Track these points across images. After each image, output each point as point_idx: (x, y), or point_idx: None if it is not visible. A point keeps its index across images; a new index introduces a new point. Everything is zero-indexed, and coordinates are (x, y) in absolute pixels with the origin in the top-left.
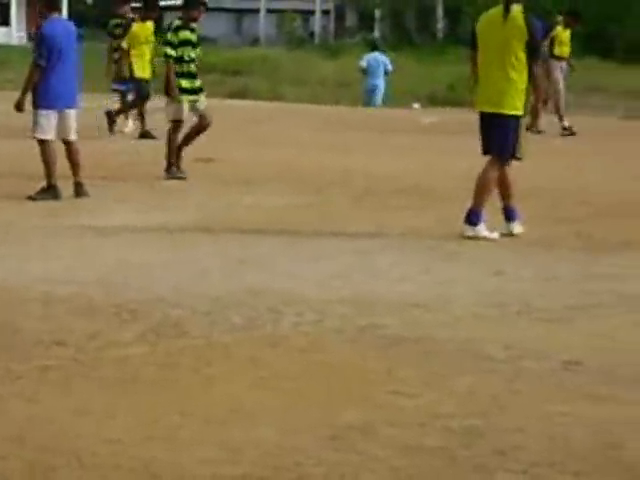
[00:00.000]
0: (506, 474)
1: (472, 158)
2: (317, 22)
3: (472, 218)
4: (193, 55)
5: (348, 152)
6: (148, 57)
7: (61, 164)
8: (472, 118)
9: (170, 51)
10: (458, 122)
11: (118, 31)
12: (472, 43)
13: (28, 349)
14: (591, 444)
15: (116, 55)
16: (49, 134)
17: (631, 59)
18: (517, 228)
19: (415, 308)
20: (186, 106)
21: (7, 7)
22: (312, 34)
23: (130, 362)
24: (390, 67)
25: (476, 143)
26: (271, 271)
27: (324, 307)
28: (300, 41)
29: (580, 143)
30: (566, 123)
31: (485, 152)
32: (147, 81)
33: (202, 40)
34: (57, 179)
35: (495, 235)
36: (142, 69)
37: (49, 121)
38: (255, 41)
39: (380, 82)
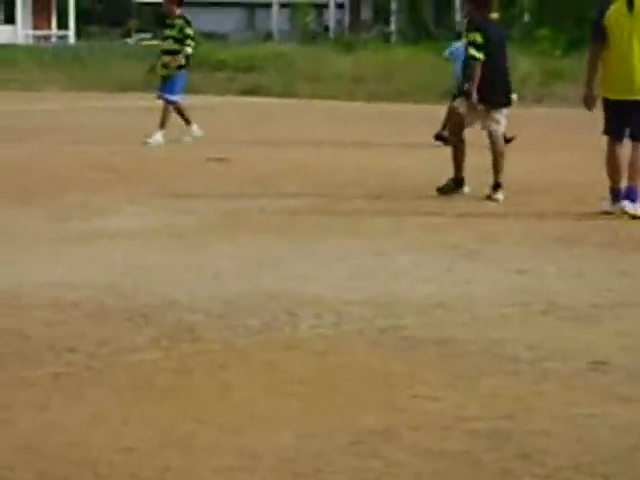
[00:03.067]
0: (532, 478)
1: (489, 154)
2: (331, 16)
3: (631, 195)
4: None
5: (365, 149)
6: None
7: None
8: None
9: None
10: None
11: (171, 32)
12: (595, 36)
13: (39, 356)
14: (619, 446)
15: (167, 58)
16: None
17: None
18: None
19: (437, 309)
20: None
21: (12, 5)
22: (326, 28)
23: (143, 368)
24: None
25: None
26: (287, 273)
27: (343, 309)
28: (314, 35)
29: None
30: None
31: (622, 137)
32: None
33: (212, 36)
34: None
35: None
36: None
37: None
38: (268, 36)
39: None
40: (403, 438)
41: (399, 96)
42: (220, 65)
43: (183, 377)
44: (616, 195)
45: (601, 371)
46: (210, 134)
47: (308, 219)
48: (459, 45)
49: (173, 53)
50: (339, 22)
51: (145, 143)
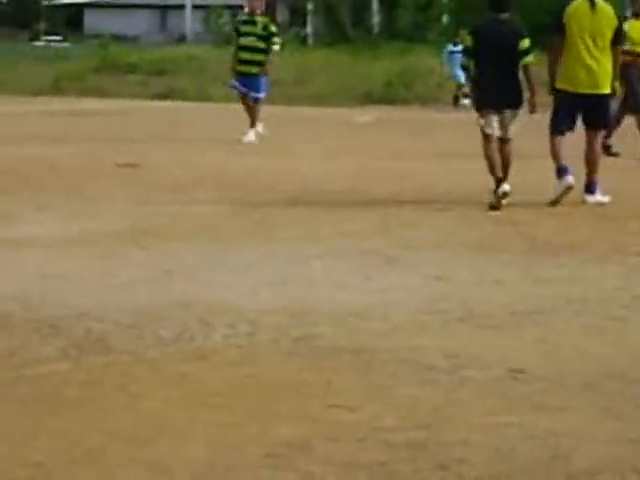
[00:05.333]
0: None
1: (408, 159)
2: None
3: (591, 188)
4: None
5: (281, 154)
6: None
7: None
8: (408, 116)
9: None
10: (394, 121)
11: (247, 29)
12: (555, 30)
13: None
14: (537, 456)
15: (246, 54)
16: None
17: None
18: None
19: (353, 317)
20: None
21: None
22: None
23: (51, 380)
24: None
25: (412, 142)
26: (200, 281)
27: (257, 318)
28: (229, 38)
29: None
30: None
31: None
32: None
33: (123, 38)
34: None
35: (607, 199)
36: None
37: None
38: (181, 39)
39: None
40: (318, 449)
41: (316, 99)
42: (132, 68)
43: (92, 389)
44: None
45: (519, 379)
46: (121, 139)
47: (221, 226)
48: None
49: (256, 51)
50: None
51: (240, 141)
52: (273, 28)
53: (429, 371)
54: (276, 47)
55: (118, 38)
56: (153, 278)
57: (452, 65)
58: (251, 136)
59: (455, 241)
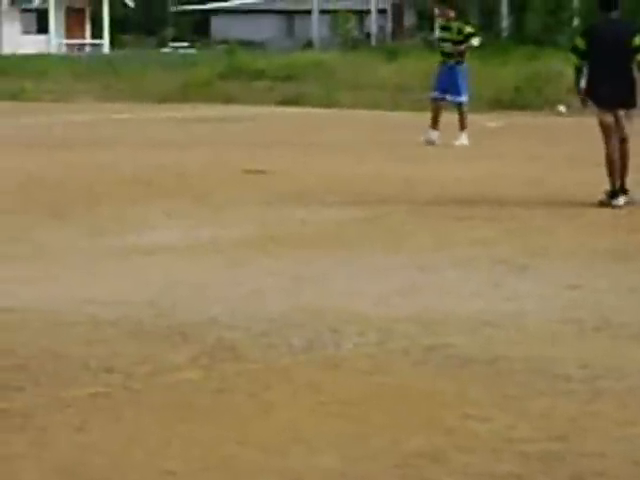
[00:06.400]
0: None
1: (538, 164)
2: (373, 22)
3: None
4: None
5: (410, 160)
6: None
7: None
8: (538, 122)
9: None
10: (524, 126)
11: (450, 35)
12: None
13: (76, 376)
14: None
15: (452, 61)
16: None
17: None
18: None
19: (485, 326)
20: None
21: (45, 14)
22: (368, 35)
23: (183, 388)
24: None
25: (542, 148)
26: (330, 289)
27: (388, 326)
28: (355, 43)
29: None
30: None
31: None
32: None
33: (250, 44)
34: None
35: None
36: None
37: None
38: (308, 44)
39: None
40: (451, 460)
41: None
42: (259, 74)
43: (224, 397)
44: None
45: None
46: (248, 145)
47: (351, 232)
48: None
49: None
50: (381, 29)
51: (452, 146)
52: (468, 29)
53: (564, 381)
54: (474, 42)
55: (245, 44)
56: (283, 285)
57: None
58: (463, 139)
59: (587, 249)
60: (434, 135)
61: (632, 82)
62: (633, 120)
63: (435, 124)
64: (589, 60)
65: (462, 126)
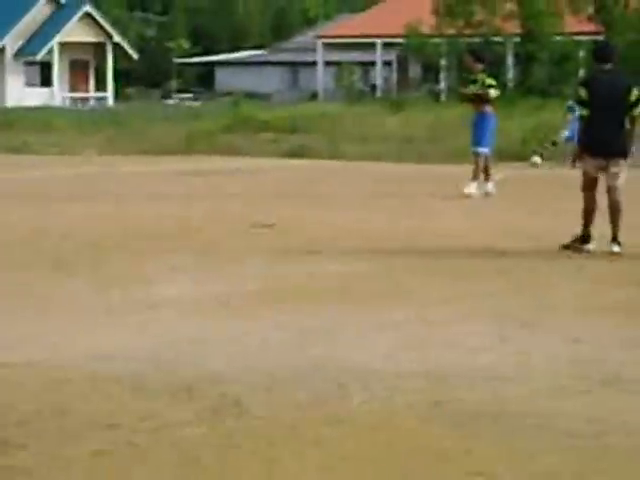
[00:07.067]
0: None
1: (547, 217)
2: (378, 74)
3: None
4: None
5: (414, 213)
6: None
7: None
8: (542, 174)
9: None
10: (530, 178)
11: (476, 88)
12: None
13: (79, 432)
14: None
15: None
16: None
17: None
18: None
19: (492, 381)
20: None
21: (49, 66)
22: (374, 87)
23: (188, 444)
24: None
25: (551, 201)
26: (336, 343)
27: (394, 381)
28: (360, 95)
29: None
30: None
31: None
32: None
33: (255, 96)
34: None
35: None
36: None
37: None
38: (312, 96)
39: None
40: None
41: (450, 157)
42: (263, 126)
43: (229, 454)
44: None
45: None
46: (253, 198)
47: (357, 286)
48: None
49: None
50: (386, 80)
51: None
52: (488, 81)
53: (572, 437)
54: (492, 92)
55: (249, 96)
56: (288, 339)
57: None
58: (472, 188)
59: (593, 303)
60: (489, 187)
61: (624, 134)
62: (623, 170)
63: (486, 176)
64: (587, 109)
65: (486, 176)
